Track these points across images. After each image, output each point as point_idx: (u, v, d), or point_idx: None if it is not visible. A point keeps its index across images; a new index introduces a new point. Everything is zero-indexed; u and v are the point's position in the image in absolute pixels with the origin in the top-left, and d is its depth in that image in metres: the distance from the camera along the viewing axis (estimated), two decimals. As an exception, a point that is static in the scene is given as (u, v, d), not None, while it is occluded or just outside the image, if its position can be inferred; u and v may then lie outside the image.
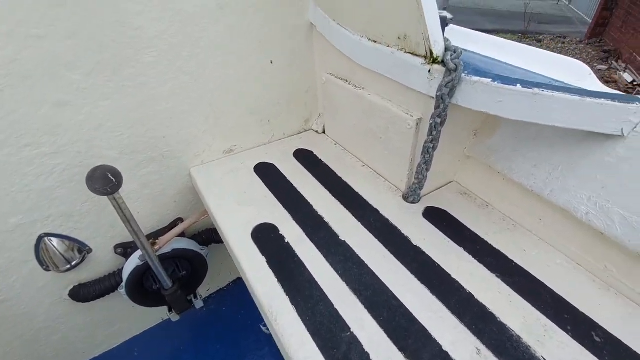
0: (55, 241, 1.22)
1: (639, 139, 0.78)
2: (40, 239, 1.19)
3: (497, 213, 1.15)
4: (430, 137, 1.01)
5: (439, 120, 0.96)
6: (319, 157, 1.44)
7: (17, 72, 0.92)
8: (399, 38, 0.99)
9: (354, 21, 1.13)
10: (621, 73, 6.26)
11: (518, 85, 0.81)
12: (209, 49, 1.18)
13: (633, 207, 0.81)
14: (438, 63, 0.91)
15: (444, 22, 1.14)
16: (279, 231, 1.09)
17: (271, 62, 1.34)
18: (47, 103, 1.00)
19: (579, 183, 0.90)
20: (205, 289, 1.87)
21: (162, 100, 1.18)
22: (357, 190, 1.25)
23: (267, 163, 1.40)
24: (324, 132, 1.61)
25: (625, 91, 5.70)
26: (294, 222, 1.12)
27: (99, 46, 1.00)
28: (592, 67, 6.68)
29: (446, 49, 0.91)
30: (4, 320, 1.27)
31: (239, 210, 1.17)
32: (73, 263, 1.29)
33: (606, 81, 6.13)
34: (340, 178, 1.31)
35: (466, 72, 0.87)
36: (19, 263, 1.19)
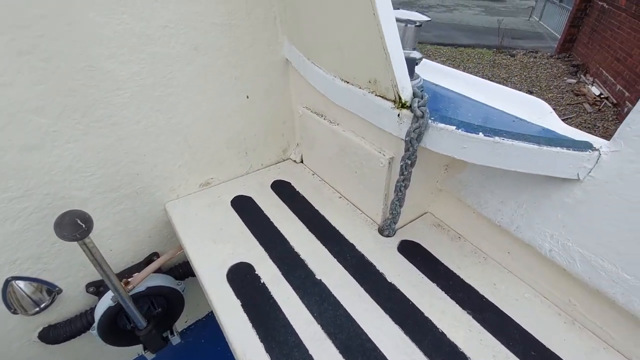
0: (22, 284, 1.18)
1: (594, 183, 0.83)
2: (7, 282, 1.14)
3: (469, 245, 1.18)
4: (402, 177, 1.03)
5: (409, 162, 0.99)
6: (297, 189, 1.45)
7: None
8: (369, 82, 1.02)
9: (327, 62, 1.15)
10: (589, 86, 6.59)
11: (480, 133, 0.84)
12: (182, 88, 1.18)
13: (591, 246, 0.85)
14: (406, 108, 0.94)
15: (413, 63, 1.19)
16: (254, 271, 1.08)
17: (247, 97, 1.36)
18: (14, 147, 0.98)
19: (542, 221, 0.94)
20: (183, 321, 1.83)
21: (135, 139, 1.17)
22: (333, 224, 1.26)
23: (244, 196, 1.40)
24: (302, 162, 1.63)
25: (593, 104, 6.01)
26: (270, 261, 1.12)
27: (68, 90, 0.99)
28: (562, 81, 7.03)
29: (414, 95, 0.94)
30: None
31: (215, 249, 1.16)
32: (42, 305, 1.24)
33: (576, 94, 6.43)
34: (318, 211, 1.32)
35: (432, 118, 0.90)
36: None
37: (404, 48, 1.12)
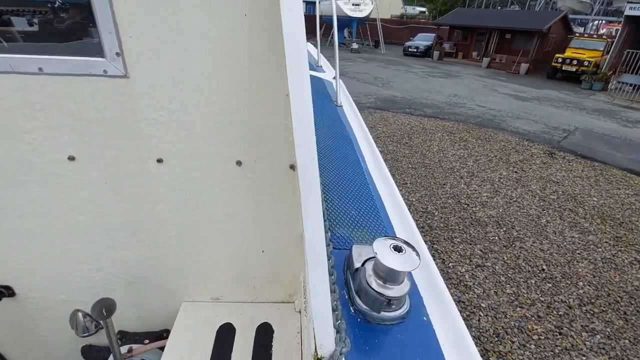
0: (81, 315, 1.75)
1: None
2: (74, 312, 1.74)
3: None
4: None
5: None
6: (272, 343, 1.61)
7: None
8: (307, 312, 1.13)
9: None
10: None
11: None
12: (209, 242, 1.57)
13: None
14: None
15: (382, 303, 1.20)
16: None
17: (262, 251, 1.63)
18: (99, 244, 1.54)
19: None
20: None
21: (172, 261, 1.62)
22: None
23: (231, 326, 1.66)
24: (299, 312, 1.77)
25: None
26: None
27: (136, 223, 1.49)
28: None
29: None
30: (46, 345, 1.88)
31: None
32: (88, 333, 1.80)
33: None
34: (266, 378, 1.46)
35: (324, 397, 0.95)
36: (59, 319, 1.77)
37: (385, 283, 1.19)
